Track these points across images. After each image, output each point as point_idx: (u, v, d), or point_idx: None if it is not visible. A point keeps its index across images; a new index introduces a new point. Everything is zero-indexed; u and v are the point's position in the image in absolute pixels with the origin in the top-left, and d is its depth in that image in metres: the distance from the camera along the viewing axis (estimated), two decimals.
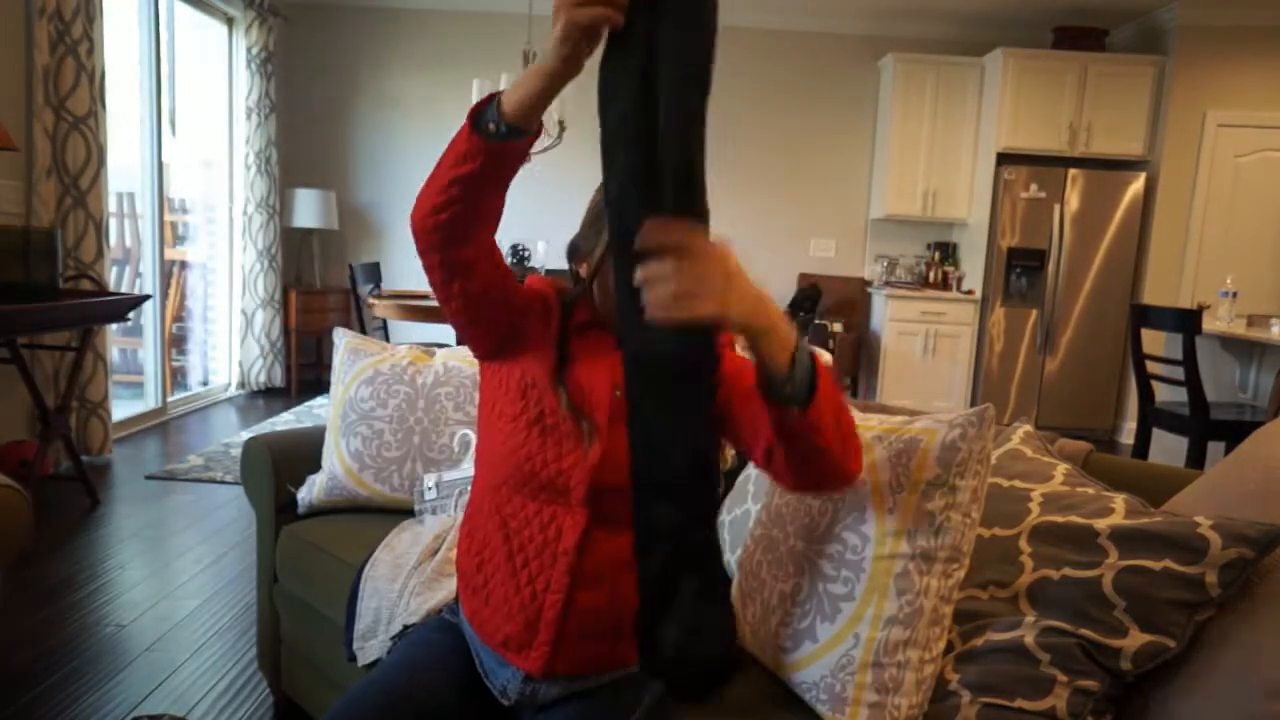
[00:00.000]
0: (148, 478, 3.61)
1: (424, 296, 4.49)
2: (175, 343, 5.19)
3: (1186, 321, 3.36)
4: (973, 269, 5.64)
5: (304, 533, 1.76)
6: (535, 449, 1.05)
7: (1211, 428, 3.38)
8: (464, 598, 1.14)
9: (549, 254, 5.19)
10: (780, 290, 5.99)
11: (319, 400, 5.33)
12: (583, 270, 1.11)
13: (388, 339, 4.60)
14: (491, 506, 1.09)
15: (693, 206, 0.79)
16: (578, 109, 4.74)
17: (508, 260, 4.25)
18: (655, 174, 0.78)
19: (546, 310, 1.12)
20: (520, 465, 1.05)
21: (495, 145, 0.91)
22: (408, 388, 1.83)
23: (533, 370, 1.08)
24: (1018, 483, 1.23)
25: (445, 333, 4.89)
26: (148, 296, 3.62)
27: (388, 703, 1.03)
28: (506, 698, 1.08)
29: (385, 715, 1.01)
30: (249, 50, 5.23)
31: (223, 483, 3.58)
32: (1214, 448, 3.42)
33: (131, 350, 4.99)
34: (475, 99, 4.22)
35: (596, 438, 1.04)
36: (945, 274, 5.81)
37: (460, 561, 1.14)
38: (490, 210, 0.99)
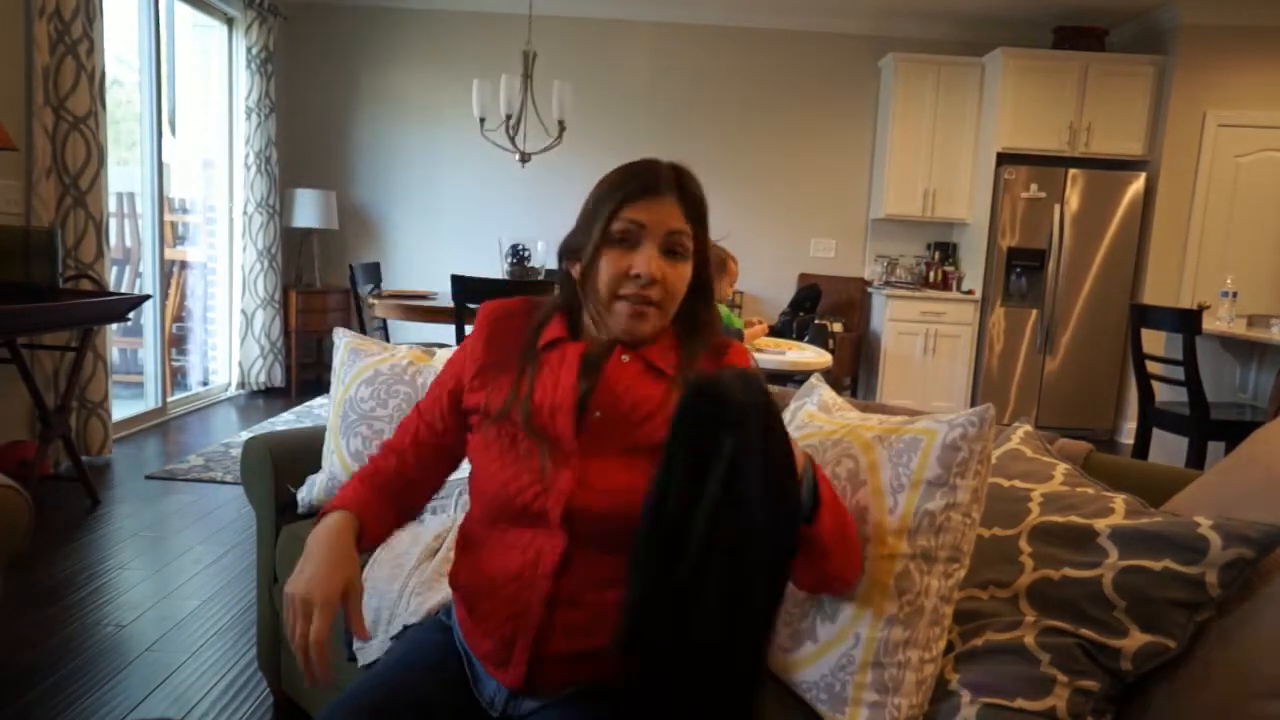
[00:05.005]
0: (148, 478, 3.61)
1: (424, 296, 4.49)
2: (175, 343, 5.19)
3: (1186, 321, 3.36)
4: (973, 269, 5.64)
5: (304, 533, 1.75)
6: (511, 476, 1.04)
7: (1211, 428, 3.38)
8: (455, 602, 1.15)
9: (549, 253, 5.18)
10: (780, 290, 6.00)
11: (319, 400, 5.33)
12: (575, 270, 1.10)
13: (388, 339, 4.60)
14: (482, 531, 1.10)
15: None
16: (578, 109, 4.74)
17: (507, 260, 4.25)
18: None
19: (502, 343, 1.12)
20: (499, 494, 1.05)
21: None
22: (408, 388, 1.83)
23: (497, 402, 1.08)
24: (1018, 483, 1.23)
25: (445, 333, 4.89)
26: (148, 296, 3.62)
27: (381, 702, 1.03)
28: (494, 709, 1.08)
29: (377, 714, 1.01)
30: (249, 50, 5.23)
31: (223, 483, 3.58)
32: (1214, 448, 3.42)
33: (131, 350, 4.99)
34: (475, 99, 4.24)
35: (567, 459, 1.02)
36: (945, 274, 5.81)
37: (452, 568, 1.15)
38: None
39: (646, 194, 1.04)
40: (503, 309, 1.16)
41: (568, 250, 1.12)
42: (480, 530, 1.10)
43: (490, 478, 1.06)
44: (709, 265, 1.10)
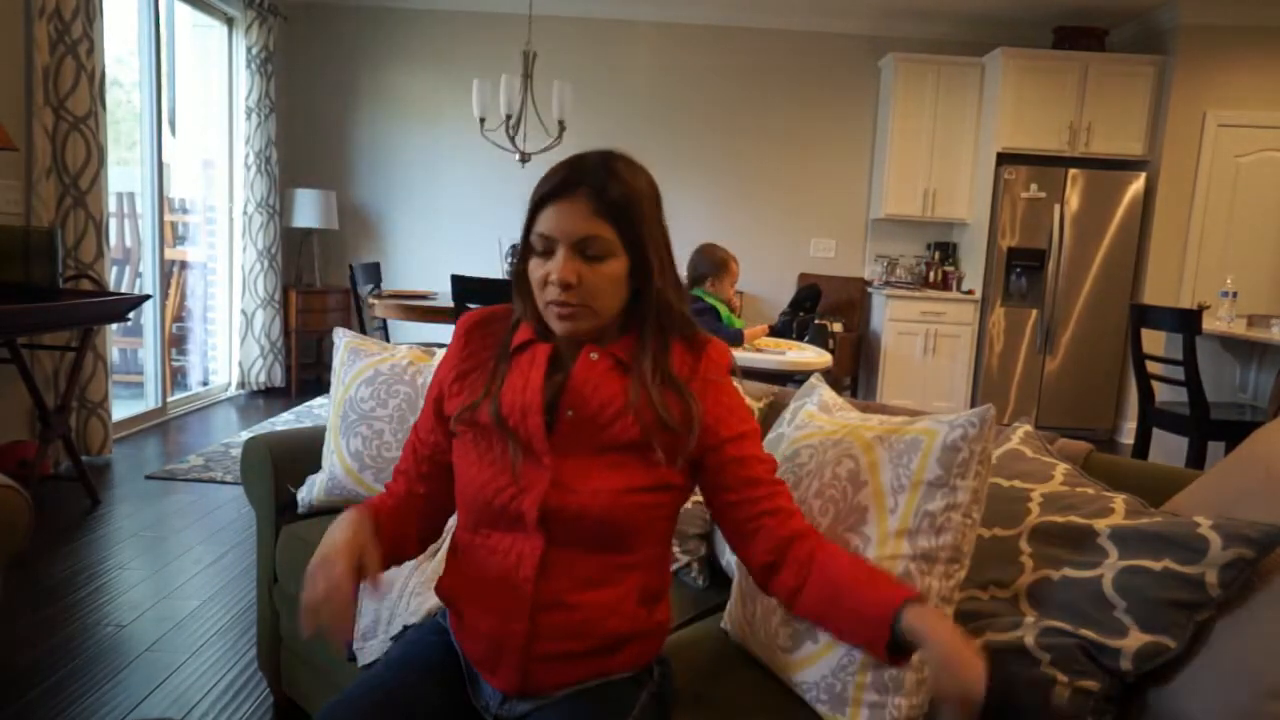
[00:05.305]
0: (148, 478, 3.61)
1: (424, 296, 4.49)
2: (175, 343, 5.19)
3: (1186, 321, 3.36)
4: (973, 269, 5.64)
5: (304, 533, 1.76)
6: (488, 479, 1.05)
7: (1211, 428, 3.38)
8: (448, 610, 1.15)
9: None
10: (780, 290, 6.00)
11: (319, 400, 5.33)
12: None
13: (388, 339, 4.60)
14: (466, 537, 1.11)
15: None
16: (578, 109, 4.74)
17: (507, 260, 4.25)
18: None
19: (479, 349, 1.12)
20: (476, 497, 1.06)
21: None
22: (408, 388, 1.83)
23: (472, 404, 1.09)
24: (1018, 483, 1.23)
25: (445, 333, 4.88)
26: (148, 296, 3.62)
27: (379, 701, 1.04)
28: (489, 711, 1.09)
29: (375, 714, 1.02)
30: (249, 50, 5.23)
31: (223, 483, 3.58)
32: (1214, 448, 3.42)
33: (131, 350, 4.99)
34: (475, 99, 4.23)
35: (540, 460, 1.03)
36: (945, 274, 5.81)
37: (439, 579, 1.16)
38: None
39: (557, 196, 1.02)
40: (480, 316, 1.16)
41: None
42: (464, 538, 1.11)
43: (470, 481, 1.07)
44: (648, 261, 1.05)
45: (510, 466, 1.03)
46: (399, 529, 1.12)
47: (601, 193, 1.01)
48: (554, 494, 1.01)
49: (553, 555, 1.02)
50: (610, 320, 1.07)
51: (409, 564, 1.52)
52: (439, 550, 1.56)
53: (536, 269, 1.04)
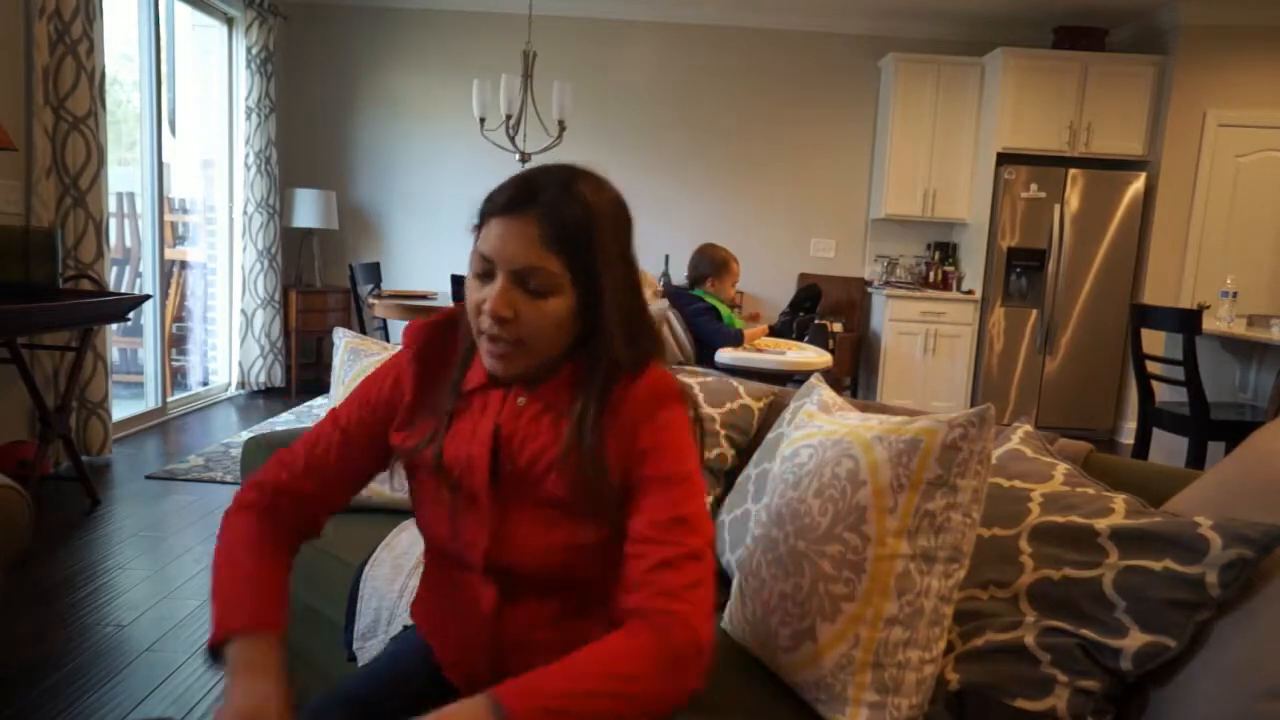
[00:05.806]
0: (148, 478, 3.61)
1: (424, 297, 4.49)
2: (175, 343, 5.19)
3: (1187, 321, 3.36)
4: (973, 269, 5.64)
5: None
6: (438, 523, 1.00)
7: (1211, 428, 3.38)
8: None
9: None
10: (780, 290, 6.00)
11: (319, 400, 5.33)
12: None
13: (388, 339, 4.61)
14: (432, 565, 1.10)
15: None
16: (578, 109, 4.74)
17: None
18: None
19: (430, 384, 1.02)
20: (431, 536, 1.04)
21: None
22: None
23: (416, 443, 1.00)
24: (1018, 483, 1.23)
25: None
26: (148, 296, 3.62)
27: (368, 696, 1.03)
28: None
29: (365, 710, 1.01)
30: (249, 50, 5.23)
31: (223, 483, 3.58)
32: (1214, 448, 3.42)
33: (131, 350, 5.00)
34: (475, 99, 4.24)
35: (484, 511, 0.96)
36: (945, 274, 5.81)
37: (413, 602, 1.15)
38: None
39: (505, 212, 0.90)
40: (431, 333, 1.03)
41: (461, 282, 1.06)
42: (432, 565, 1.10)
43: (423, 520, 1.04)
44: (602, 298, 0.92)
45: (455, 512, 0.98)
46: (284, 590, 1.03)
47: (553, 216, 0.89)
48: (494, 548, 0.96)
49: (507, 601, 0.99)
50: (550, 358, 0.95)
51: (409, 564, 1.52)
52: None
53: (473, 291, 0.92)
